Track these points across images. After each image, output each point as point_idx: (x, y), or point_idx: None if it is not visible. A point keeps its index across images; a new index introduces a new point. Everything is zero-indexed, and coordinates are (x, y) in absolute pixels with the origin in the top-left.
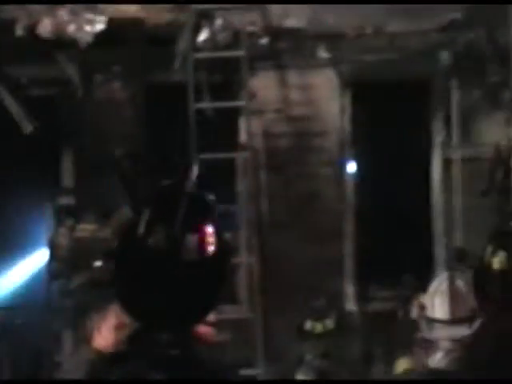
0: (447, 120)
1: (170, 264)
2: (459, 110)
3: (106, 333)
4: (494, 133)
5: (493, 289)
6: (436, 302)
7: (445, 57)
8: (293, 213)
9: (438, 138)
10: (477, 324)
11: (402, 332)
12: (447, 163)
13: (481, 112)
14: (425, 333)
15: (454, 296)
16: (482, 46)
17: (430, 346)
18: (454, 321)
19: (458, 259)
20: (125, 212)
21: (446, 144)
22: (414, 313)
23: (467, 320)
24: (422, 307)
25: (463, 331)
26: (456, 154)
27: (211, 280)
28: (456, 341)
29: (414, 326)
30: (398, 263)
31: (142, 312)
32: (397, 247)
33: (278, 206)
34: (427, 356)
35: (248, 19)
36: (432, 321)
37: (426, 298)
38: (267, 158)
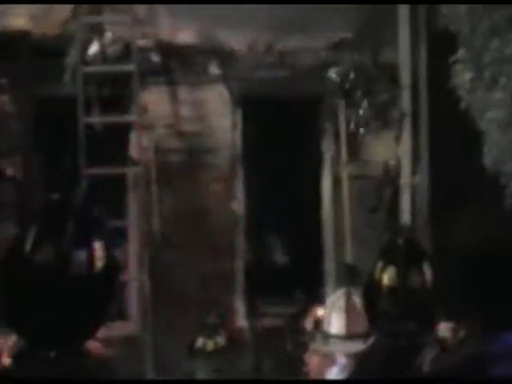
0: (337, 138)
1: (58, 280)
2: (348, 127)
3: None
4: (382, 151)
5: (383, 304)
6: (333, 317)
7: (334, 75)
8: (184, 228)
9: (328, 155)
10: (372, 339)
11: (294, 347)
12: (337, 180)
13: (370, 130)
14: (321, 347)
15: (350, 312)
16: (370, 65)
17: (325, 360)
18: (349, 336)
19: (349, 276)
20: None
21: (336, 161)
22: (310, 327)
23: (363, 335)
24: (318, 322)
25: (358, 346)
26: (345, 172)
27: (100, 296)
28: (351, 355)
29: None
30: (288, 279)
31: (29, 329)
32: (288, 263)
33: (168, 221)
34: (323, 370)
35: (139, 33)
36: (328, 335)
37: (322, 313)
38: (158, 173)
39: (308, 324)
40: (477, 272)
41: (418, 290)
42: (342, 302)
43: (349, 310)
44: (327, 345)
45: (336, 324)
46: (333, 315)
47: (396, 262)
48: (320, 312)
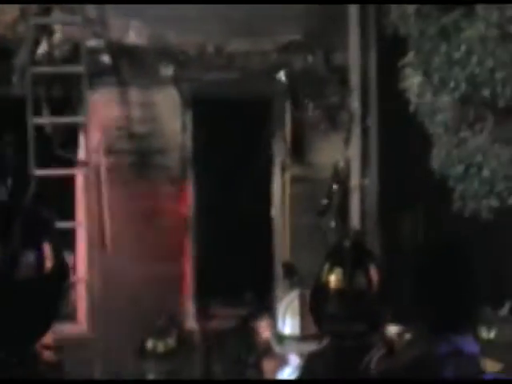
0: (286, 140)
1: (6, 282)
2: (297, 129)
3: None
4: (332, 153)
5: (330, 306)
6: (287, 319)
7: (284, 77)
8: (133, 230)
9: (278, 157)
10: (326, 341)
11: (244, 349)
12: (287, 182)
13: (319, 132)
14: (275, 348)
15: (304, 313)
16: (320, 67)
17: (279, 361)
18: (304, 337)
19: (286, 274)
20: None
21: (286, 164)
22: (264, 328)
23: (317, 337)
24: (272, 323)
25: (312, 347)
26: (294, 174)
27: (49, 298)
28: (304, 356)
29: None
30: (238, 281)
31: None
32: (237, 265)
33: (118, 223)
34: (276, 371)
35: (88, 34)
36: (282, 336)
37: (276, 314)
38: (108, 175)
39: (262, 326)
40: (424, 274)
41: (365, 292)
42: (295, 304)
43: (303, 311)
44: (282, 346)
45: (290, 325)
46: (287, 316)
47: (343, 264)
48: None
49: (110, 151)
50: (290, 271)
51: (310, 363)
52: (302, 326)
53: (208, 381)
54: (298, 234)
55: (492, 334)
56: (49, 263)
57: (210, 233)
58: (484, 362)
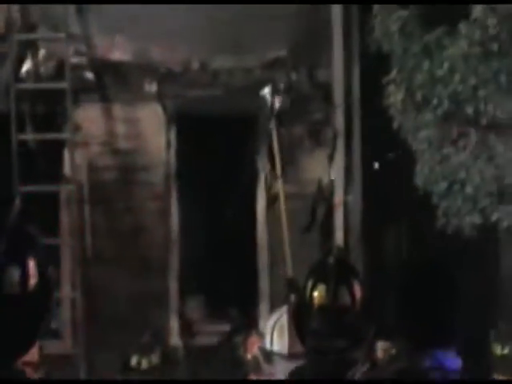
0: (271, 156)
1: None
2: (282, 145)
3: None
4: (316, 169)
5: (313, 322)
6: (275, 336)
7: (268, 94)
8: (118, 247)
9: (263, 173)
10: (308, 357)
11: (229, 365)
12: (271, 198)
13: (303, 148)
14: (262, 365)
15: (292, 330)
16: (304, 84)
17: (267, 378)
18: (292, 355)
19: (290, 290)
20: None
21: (270, 180)
22: (251, 345)
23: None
24: (260, 340)
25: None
26: (279, 190)
27: (33, 314)
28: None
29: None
30: (223, 297)
31: None
32: (222, 281)
33: (102, 239)
34: None
35: (73, 50)
36: (270, 354)
37: (264, 331)
38: (92, 191)
39: (250, 343)
40: (408, 290)
41: (348, 308)
42: (283, 320)
43: (291, 328)
44: (270, 363)
45: (278, 342)
46: (275, 334)
47: (326, 281)
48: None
49: (93, 167)
50: (293, 287)
51: (292, 378)
52: (290, 344)
53: (208, 381)
54: (284, 250)
55: (506, 350)
56: (33, 280)
57: (195, 249)
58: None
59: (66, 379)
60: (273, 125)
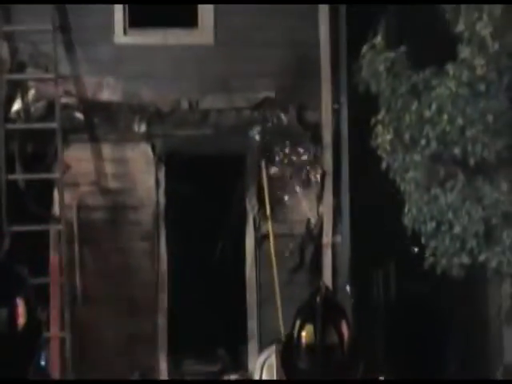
0: (260, 196)
1: None
2: (270, 186)
3: None
4: (304, 209)
5: (301, 362)
6: (264, 375)
7: (257, 134)
8: (106, 286)
9: (251, 212)
10: None
11: None
12: (260, 238)
13: (292, 189)
14: None
15: (281, 370)
16: (292, 124)
17: None
18: None
19: None
20: None
21: (259, 220)
22: None
23: None
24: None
25: None
26: (268, 230)
27: (21, 354)
28: None
29: None
30: (211, 338)
31: None
32: (210, 321)
33: (91, 279)
34: None
35: (62, 90)
36: None
37: (253, 371)
38: (81, 230)
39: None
40: (396, 329)
41: (336, 348)
42: (272, 360)
43: (280, 368)
44: None
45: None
46: (264, 373)
47: (314, 320)
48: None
49: (83, 207)
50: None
51: None
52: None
53: (208, 381)
54: (275, 289)
55: None
56: (22, 320)
57: (183, 289)
58: None
59: (66, 379)
60: (261, 165)
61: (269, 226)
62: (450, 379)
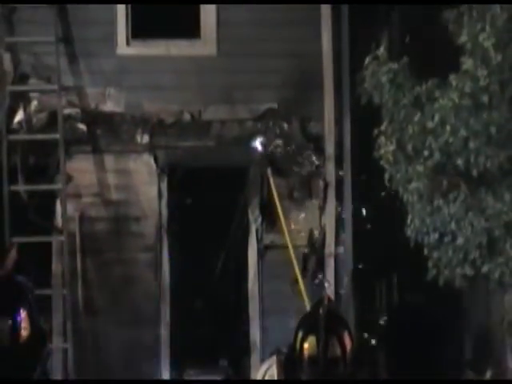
0: (262, 207)
1: None
2: (273, 197)
3: None
4: (307, 221)
5: (304, 373)
6: None
7: (260, 145)
8: (109, 297)
9: (254, 224)
10: None
11: None
12: (263, 249)
13: (294, 200)
14: None
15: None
16: (295, 135)
17: None
18: None
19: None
20: None
21: (262, 230)
22: None
23: None
24: None
25: None
26: (271, 241)
27: (24, 366)
28: None
29: None
30: (214, 349)
31: None
32: (213, 333)
33: (94, 290)
34: None
35: (65, 101)
36: None
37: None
38: (83, 242)
39: None
40: (397, 339)
41: (338, 359)
42: (273, 371)
43: (281, 378)
44: None
45: None
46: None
47: (316, 332)
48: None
49: (85, 218)
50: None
51: None
52: None
53: (206, 381)
54: (277, 300)
55: None
56: (25, 332)
57: (186, 300)
58: None
59: (65, 379)
60: (264, 176)
61: (271, 237)
62: (450, 379)
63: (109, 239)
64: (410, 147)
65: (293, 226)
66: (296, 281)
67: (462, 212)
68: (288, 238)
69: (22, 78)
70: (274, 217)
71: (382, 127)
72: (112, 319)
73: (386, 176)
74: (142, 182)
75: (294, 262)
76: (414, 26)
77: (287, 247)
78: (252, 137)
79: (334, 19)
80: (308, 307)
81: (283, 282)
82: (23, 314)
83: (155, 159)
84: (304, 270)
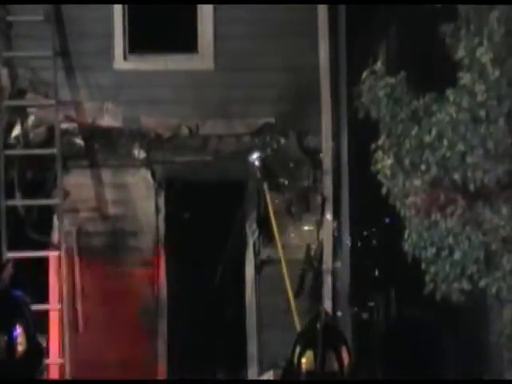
0: (260, 221)
1: None
2: (270, 211)
3: None
4: (305, 235)
5: None
6: None
7: (257, 160)
8: (107, 312)
9: (251, 238)
10: None
11: None
12: (260, 263)
13: (292, 214)
14: None
15: None
16: (293, 150)
17: None
18: None
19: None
20: None
21: (259, 245)
22: None
23: None
24: None
25: None
26: (268, 255)
27: (21, 381)
28: None
29: None
30: (211, 362)
31: None
32: (210, 346)
33: (91, 305)
34: None
35: (62, 116)
36: None
37: None
38: (81, 256)
39: None
40: (395, 354)
41: (336, 374)
42: None
43: None
44: None
45: None
46: None
47: (314, 347)
48: None
49: (83, 233)
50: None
51: None
52: None
53: (209, 380)
54: (275, 314)
55: None
56: (21, 347)
57: (183, 313)
58: None
59: (65, 379)
60: (262, 190)
61: (269, 252)
62: (449, 379)
63: (106, 254)
64: (407, 161)
65: (290, 241)
66: (294, 296)
67: (460, 226)
68: (281, 254)
69: (20, 93)
70: (271, 231)
71: (380, 141)
72: (109, 334)
73: (384, 190)
74: (140, 196)
75: (287, 280)
76: (412, 40)
77: (285, 262)
78: (249, 151)
79: (332, 31)
80: (297, 325)
81: (281, 297)
82: (19, 329)
83: (152, 174)
84: (301, 287)
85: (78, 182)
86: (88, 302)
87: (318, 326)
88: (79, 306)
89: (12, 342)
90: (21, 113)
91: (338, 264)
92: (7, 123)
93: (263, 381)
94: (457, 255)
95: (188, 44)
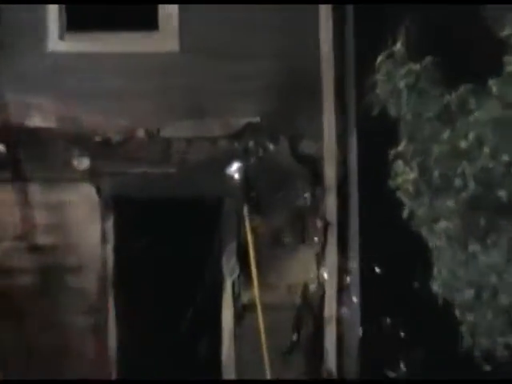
0: (240, 254)
1: None
2: (254, 241)
3: None
4: (300, 273)
5: None
6: None
7: (237, 171)
8: (36, 373)
9: (229, 277)
10: None
11: None
12: (241, 310)
13: (283, 245)
14: None
15: None
16: (284, 158)
17: None
18: None
19: None
20: None
21: (240, 286)
22: None
23: None
24: None
25: None
26: (252, 299)
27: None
28: None
29: None
30: None
31: None
32: None
33: (14, 363)
34: None
35: None
36: None
37: None
38: (1, 301)
39: None
40: None
41: None
42: None
43: None
44: None
45: None
46: None
47: None
48: None
49: (4, 269)
50: None
51: None
52: None
53: (209, 381)
54: (253, 375)
55: None
56: None
57: (139, 373)
58: None
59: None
60: (244, 212)
61: (253, 294)
62: (450, 379)
63: (36, 298)
64: (436, 174)
65: (280, 281)
66: (288, 350)
67: (505, 261)
68: (258, 297)
69: None
70: (255, 268)
71: (400, 148)
72: None
73: (405, 213)
74: (81, 220)
75: (262, 332)
76: (442, 16)
77: (274, 307)
78: (226, 161)
79: (336, 8)
80: None
81: (267, 352)
82: None
83: (98, 190)
84: (297, 340)
85: None
86: (10, 360)
87: None
88: None
89: None
90: None
91: (345, 310)
92: None
93: (263, 381)
94: (502, 299)
95: (145, 18)
